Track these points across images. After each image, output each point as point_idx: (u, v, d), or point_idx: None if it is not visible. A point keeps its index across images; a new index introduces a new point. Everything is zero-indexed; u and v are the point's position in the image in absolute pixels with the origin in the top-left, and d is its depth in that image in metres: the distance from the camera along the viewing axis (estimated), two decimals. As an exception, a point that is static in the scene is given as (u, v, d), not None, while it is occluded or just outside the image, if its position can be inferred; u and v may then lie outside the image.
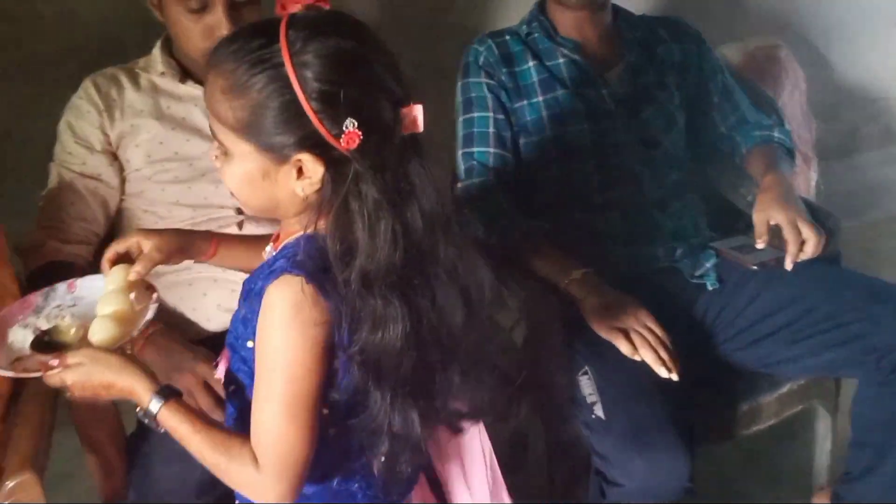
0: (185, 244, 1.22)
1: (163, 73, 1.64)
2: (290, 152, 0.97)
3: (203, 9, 1.51)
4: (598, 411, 1.44)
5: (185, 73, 1.64)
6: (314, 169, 0.97)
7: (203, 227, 1.54)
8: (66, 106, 1.63)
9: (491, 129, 1.74)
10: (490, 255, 1.09)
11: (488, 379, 1.11)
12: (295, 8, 0.99)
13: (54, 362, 1.05)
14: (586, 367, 1.49)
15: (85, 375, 1.04)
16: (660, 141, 1.77)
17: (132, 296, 1.14)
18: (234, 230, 1.56)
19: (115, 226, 1.65)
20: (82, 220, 1.58)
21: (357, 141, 0.94)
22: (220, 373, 1.15)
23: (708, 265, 1.71)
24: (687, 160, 1.85)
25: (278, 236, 1.10)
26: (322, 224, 1.00)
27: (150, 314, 1.14)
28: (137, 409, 1.05)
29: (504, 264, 1.45)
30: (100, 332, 1.10)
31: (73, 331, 1.15)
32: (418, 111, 0.98)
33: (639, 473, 1.36)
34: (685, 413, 1.45)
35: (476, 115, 1.76)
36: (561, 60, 1.77)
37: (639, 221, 1.72)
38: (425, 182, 1.01)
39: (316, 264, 0.98)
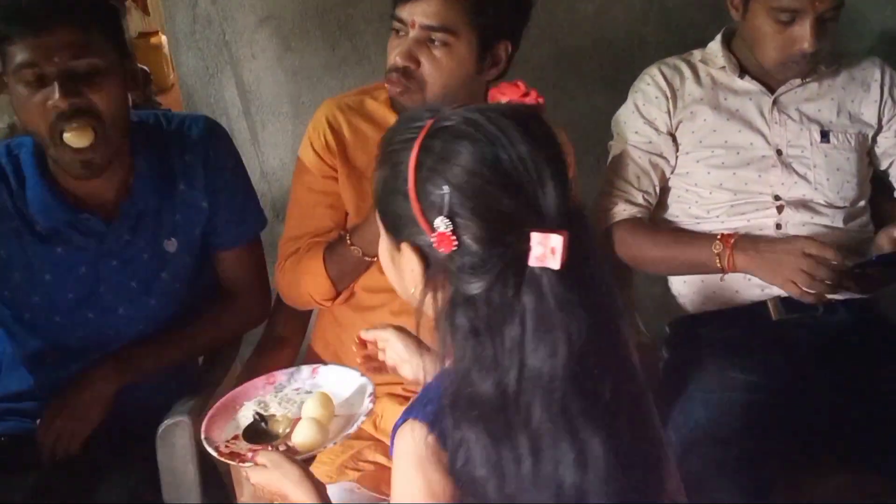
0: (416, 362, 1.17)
1: (722, 67, 1.78)
2: (399, 237, 0.93)
3: (791, 21, 1.62)
4: None
5: (742, 69, 1.77)
6: (410, 260, 0.91)
7: (741, 211, 1.72)
8: (631, 90, 1.81)
9: None
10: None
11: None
12: (503, 100, 0.94)
13: (247, 458, 1.11)
14: None
15: (266, 479, 1.06)
16: None
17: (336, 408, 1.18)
18: (771, 213, 1.71)
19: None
20: (643, 191, 1.77)
21: (450, 246, 0.86)
22: None
23: None
24: None
25: None
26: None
27: (352, 429, 1.13)
28: None
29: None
30: (301, 435, 1.13)
31: (283, 427, 1.18)
32: (556, 242, 0.83)
33: None
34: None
35: None
36: None
37: None
38: (568, 317, 0.85)
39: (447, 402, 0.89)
